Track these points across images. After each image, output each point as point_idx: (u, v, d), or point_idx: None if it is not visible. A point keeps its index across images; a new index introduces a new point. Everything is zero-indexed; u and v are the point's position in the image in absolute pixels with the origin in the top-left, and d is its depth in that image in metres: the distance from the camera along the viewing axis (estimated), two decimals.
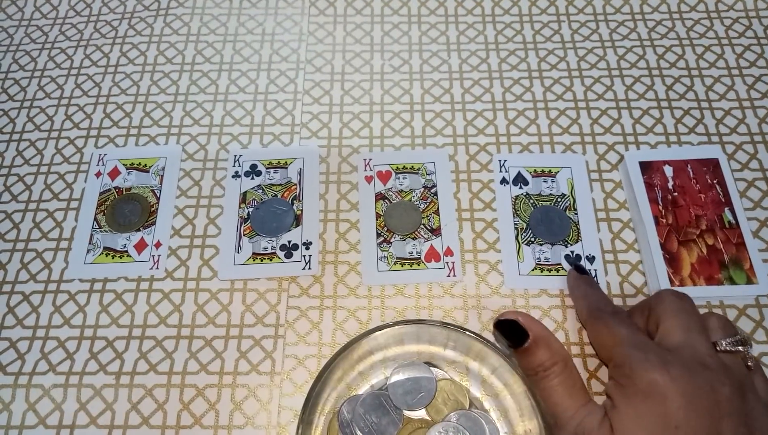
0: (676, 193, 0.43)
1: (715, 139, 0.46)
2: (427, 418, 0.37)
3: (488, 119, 0.47)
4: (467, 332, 0.35)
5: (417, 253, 0.42)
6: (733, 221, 0.42)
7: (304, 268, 0.42)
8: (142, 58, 0.51)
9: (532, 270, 0.41)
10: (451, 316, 0.40)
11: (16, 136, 0.48)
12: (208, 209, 0.45)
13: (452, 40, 0.51)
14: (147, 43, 0.52)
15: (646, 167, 0.44)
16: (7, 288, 0.43)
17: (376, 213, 0.44)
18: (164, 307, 0.41)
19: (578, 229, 0.43)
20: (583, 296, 0.38)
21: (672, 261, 0.40)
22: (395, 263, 0.42)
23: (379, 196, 0.44)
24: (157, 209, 0.45)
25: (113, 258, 0.43)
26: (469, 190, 0.44)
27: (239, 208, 0.44)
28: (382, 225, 0.43)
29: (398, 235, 0.43)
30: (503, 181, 0.45)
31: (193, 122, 0.48)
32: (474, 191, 0.44)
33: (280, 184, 0.45)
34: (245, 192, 0.45)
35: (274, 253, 0.43)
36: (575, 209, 0.43)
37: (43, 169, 0.47)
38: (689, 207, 0.42)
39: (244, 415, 0.38)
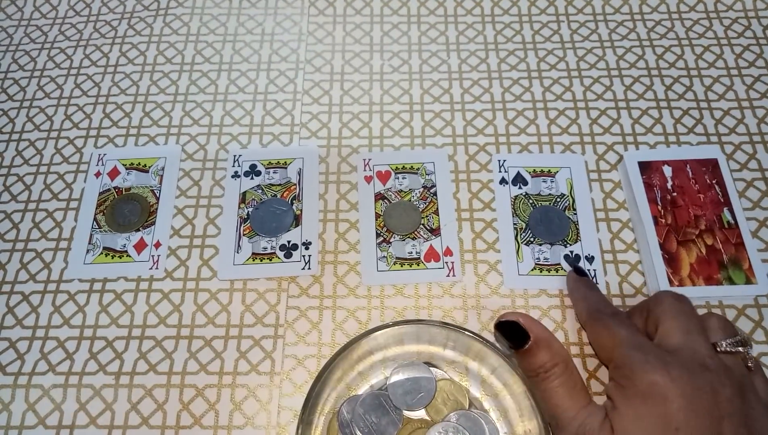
0: (675, 193, 0.43)
1: (714, 139, 0.46)
2: (427, 418, 0.37)
3: (487, 119, 0.47)
4: (467, 332, 0.35)
5: (416, 253, 0.42)
6: (732, 221, 0.42)
7: (303, 268, 0.42)
8: (142, 58, 0.51)
9: (532, 270, 0.42)
10: (450, 316, 0.40)
11: (15, 136, 0.48)
12: (207, 209, 0.45)
13: (451, 40, 0.51)
14: (146, 43, 0.52)
15: (645, 167, 0.44)
16: (6, 288, 0.43)
17: (376, 213, 0.44)
18: (164, 307, 0.41)
19: (577, 229, 0.43)
20: (582, 298, 0.38)
21: (671, 261, 0.40)
22: (395, 263, 0.42)
23: (379, 196, 0.44)
24: (156, 209, 0.45)
25: (113, 258, 0.43)
26: (468, 190, 0.45)
27: (239, 208, 0.44)
28: (381, 225, 0.43)
29: (398, 235, 0.43)
30: (502, 181, 0.45)
31: (192, 122, 0.48)
32: (473, 191, 0.44)
33: (280, 184, 0.45)
34: (245, 192, 0.45)
35: (274, 253, 0.43)
36: (574, 209, 0.43)
37: (43, 169, 0.47)
38: (688, 207, 0.42)
39: (243, 416, 0.38)
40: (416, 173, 0.45)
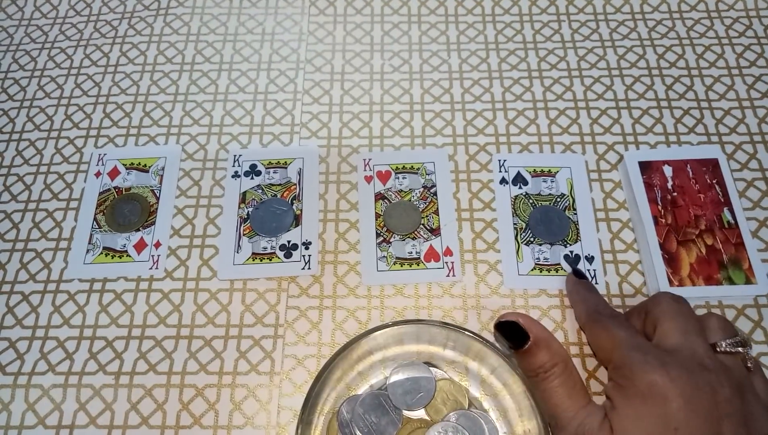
0: (675, 193, 0.43)
1: (714, 139, 0.46)
2: (427, 418, 0.37)
3: (488, 119, 0.47)
4: (466, 332, 0.35)
5: (416, 253, 0.42)
6: (732, 221, 0.42)
7: (303, 268, 0.42)
8: (142, 57, 0.51)
9: (532, 270, 0.41)
10: (450, 316, 0.40)
11: (15, 136, 0.48)
12: (207, 209, 0.45)
13: (452, 40, 0.51)
14: (147, 42, 0.52)
15: (645, 167, 0.44)
16: (6, 288, 0.43)
17: (376, 213, 0.44)
18: (164, 307, 0.41)
19: (577, 229, 0.43)
20: (581, 300, 0.38)
21: (671, 261, 0.40)
22: (395, 263, 0.42)
23: (379, 196, 0.44)
24: (156, 209, 0.45)
25: (113, 258, 0.43)
26: (468, 190, 0.44)
27: (239, 208, 0.44)
28: (381, 225, 0.43)
29: (398, 235, 0.43)
30: (503, 181, 0.45)
31: (192, 122, 0.48)
32: (473, 191, 0.44)
33: (280, 184, 0.45)
34: (245, 192, 0.45)
35: (274, 253, 0.43)
36: (574, 209, 0.43)
37: (43, 168, 0.47)
38: (688, 207, 0.42)
39: (243, 415, 0.38)
40: (416, 173, 0.45)
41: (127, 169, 0.46)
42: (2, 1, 0.55)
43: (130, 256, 0.43)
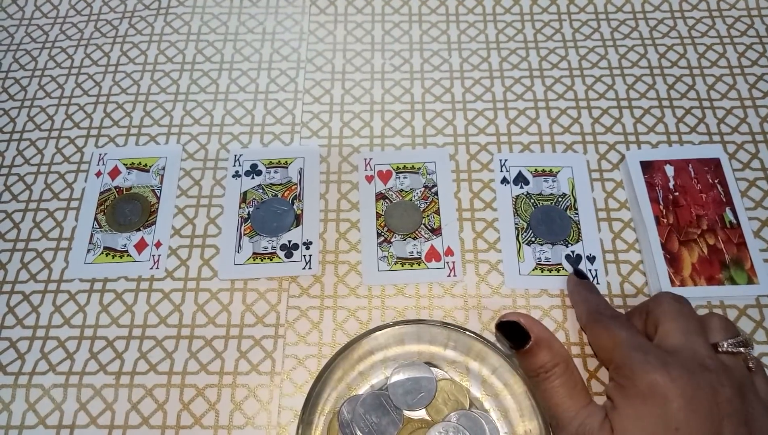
0: (677, 193, 0.42)
1: (716, 138, 0.45)
2: (428, 418, 0.37)
3: (489, 118, 0.47)
4: (467, 332, 0.35)
5: (417, 252, 0.42)
6: (734, 221, 0.42)
7: (304, 268, 0.42)
8: (143, 57, 0.51)
9: (533, 270, 0.41)
10: (451, 316, 0.40)
11: (16, 136, 0.48)
12: (208, 209, 0.45)
13: (453, 39, 0.51)
14: (147, 42, 0.52)
15: (647, 167, 0.43)
16: (7, 288, 0.43)
17: (377, 213, 0.44)
18: (164, 306, 0.41)
19: (579, 228, 0.43)
20: (583, 301, 0.38)
21: (673, 261, 0.40)
22: (395, 263, 0.42)
23: (380, 196, 0.44)
24: (157, 209, 0.45)
25: (113, 258, 0.43)
26: (469, 189, 0.44)
27: (239, 207, 0.44)
28: (382, 225, 0.43)
29: (399, 234, 0.43)
30: (504, 180, 0.45)
31: (193, 121, 0.48)
32: (475, 191, 0.44)
33: (281, 184, 0.45)
34: (245, 191, 0.45)
35: (275, 252, 0.43)
36: (576, 209, 0.43)
37: (44, 168, 0.47)
38: (690, 207, 0.42)
39: (244, 415, 0.38)
40: (417, 173, 0.45)
41: (127, 168, 0.46)
42: (3, 0, 0.55)
43: (130, 256, 0.43)
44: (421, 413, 0.37)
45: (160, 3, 0.54)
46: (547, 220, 0.43)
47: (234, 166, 0.46)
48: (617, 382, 0.32)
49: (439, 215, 0.43)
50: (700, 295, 0.39)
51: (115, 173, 0.46)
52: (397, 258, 0.42)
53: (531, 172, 0.45)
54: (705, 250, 0.41)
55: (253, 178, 0.45)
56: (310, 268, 0.42)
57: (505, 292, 0.41)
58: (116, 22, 0.53)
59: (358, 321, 0.40)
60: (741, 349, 0.32)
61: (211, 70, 0.50)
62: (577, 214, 0.43)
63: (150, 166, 0.46)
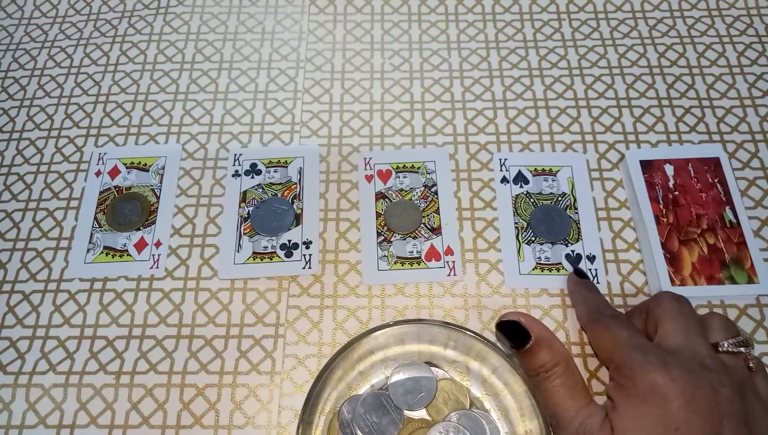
0: (677, 192, 0.42)
1: (716, 137, 0.45)
2: (428, 417, 0.37)
3: (489, 118, 0.47)
4: (468, 332, 0.35)
5: (417, 252, 0.42)
6: (734, 220, 0.42)
7: (304, 268, 0.42)
8: (142, 56, 0.51)
9: (533, 269, 0.41)
10: (451, 315, 0.40)
11: (16, 135, 0.48)
12: (208, 208, 0.45)
13: (452, 39, 0.51)
14: (147, 41, 0.52)
15: (646, 166, 0.43)
16: (7, 287, 0.43)
17: (377, 212, 0.44)
18: (164, 306, 0.41)
19: (579, 228, 0.43)
20: (583, 301, 0.38)
21: (673, 260, 0.40)
22: (395, 262, 0.42)
23: (380, 195, 0.44)
24: (157, 208, 0.45)
25: (113, 257, 0.43)
26: (469, 189, 0.44)
27: (239, 207, 0.44)
28: (382, 224, 0.43)
29: (398, 234, 0.43)
30: (504, 180, 0.45)
31: (193, 121, 0.48)
32: (474, 190, 0.44)
33: (280, 183, 0.45)
34: (245, 191, 0.45)
35: (274, 252, 0.43)
36: (576, 208, 0.43)
37: (43, 168, 0.47)
38: (690, 206, 0.42)
39: (244, 415, 0.38)
40: (417, 172, 0.45)
41: (127, 168, 0.46)
42: (2, 0, 0.55)
43: (130, 256, 0.43)
44: (421, 413, 0.37)
45: (160, 2, 0.54)
46: (547, 220, 0.43)
47: (234, 165, 0.46)
48: (617, 381, 0.32)
49: (438, 215, 0.43)
50: (700, 294, 0.39)
51: (114, 173, 0.46)
52: (397, 257, 0.42)
53: (531, 171, 0.45)
54: (705, 250, 0.41)
55: (252, 177, 0.45)
56: (310, 268, 0.42)
57: (505, 291, 0.41)
58: (116, 22, 0.53)
59: (358, 320, 0.40)
60: (741, 348, 0.32)
61: (211, 69, 0.50)
62: (576, 213, 0.43)
63: (150, 166, 0.46)
